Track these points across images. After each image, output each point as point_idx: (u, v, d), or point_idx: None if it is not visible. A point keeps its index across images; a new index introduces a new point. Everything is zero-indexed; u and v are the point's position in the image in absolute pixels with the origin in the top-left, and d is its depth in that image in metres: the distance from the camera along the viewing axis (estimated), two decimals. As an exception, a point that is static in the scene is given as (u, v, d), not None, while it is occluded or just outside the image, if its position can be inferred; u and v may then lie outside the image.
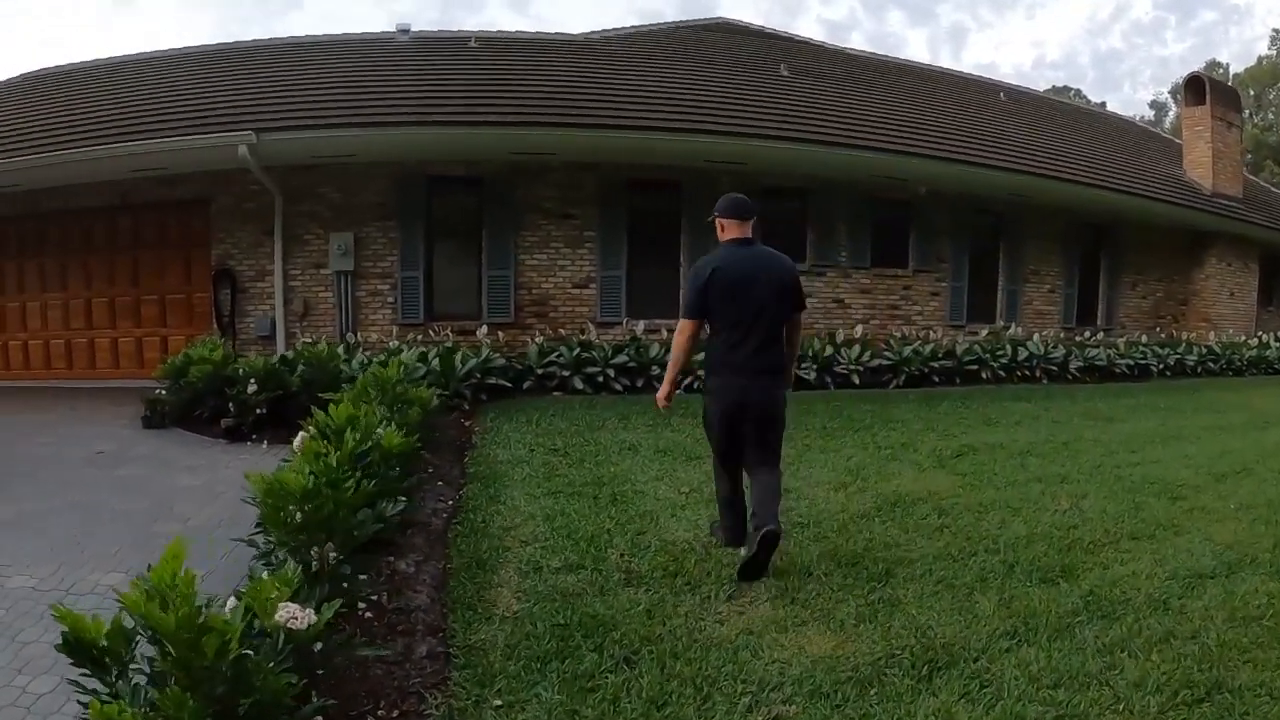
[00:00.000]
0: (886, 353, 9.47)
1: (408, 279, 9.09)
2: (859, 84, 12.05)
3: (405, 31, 11.36)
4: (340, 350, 7.24)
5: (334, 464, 2.95)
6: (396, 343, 8.38)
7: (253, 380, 6.24)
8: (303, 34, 11.81)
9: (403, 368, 6.32)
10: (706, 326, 3.53)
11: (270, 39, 11.43)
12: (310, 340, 8.69)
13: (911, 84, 13.02)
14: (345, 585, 2.73)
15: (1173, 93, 32.87)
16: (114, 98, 9.31)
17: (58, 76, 10.61)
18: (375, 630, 2.85)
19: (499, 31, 11.77)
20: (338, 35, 11.31)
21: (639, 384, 8.38)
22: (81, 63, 11.02)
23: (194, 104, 8.64)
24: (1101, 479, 5.14)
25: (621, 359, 8.42)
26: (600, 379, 8.19)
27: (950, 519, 4.22)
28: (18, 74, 11.20)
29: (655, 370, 8.41)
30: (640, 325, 9.30)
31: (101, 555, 3.68)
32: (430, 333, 8.80)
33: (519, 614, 3.02)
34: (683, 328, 3.52)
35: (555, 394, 7.95)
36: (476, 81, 9.47)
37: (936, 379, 9.48)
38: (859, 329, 9.80)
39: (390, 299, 9.10)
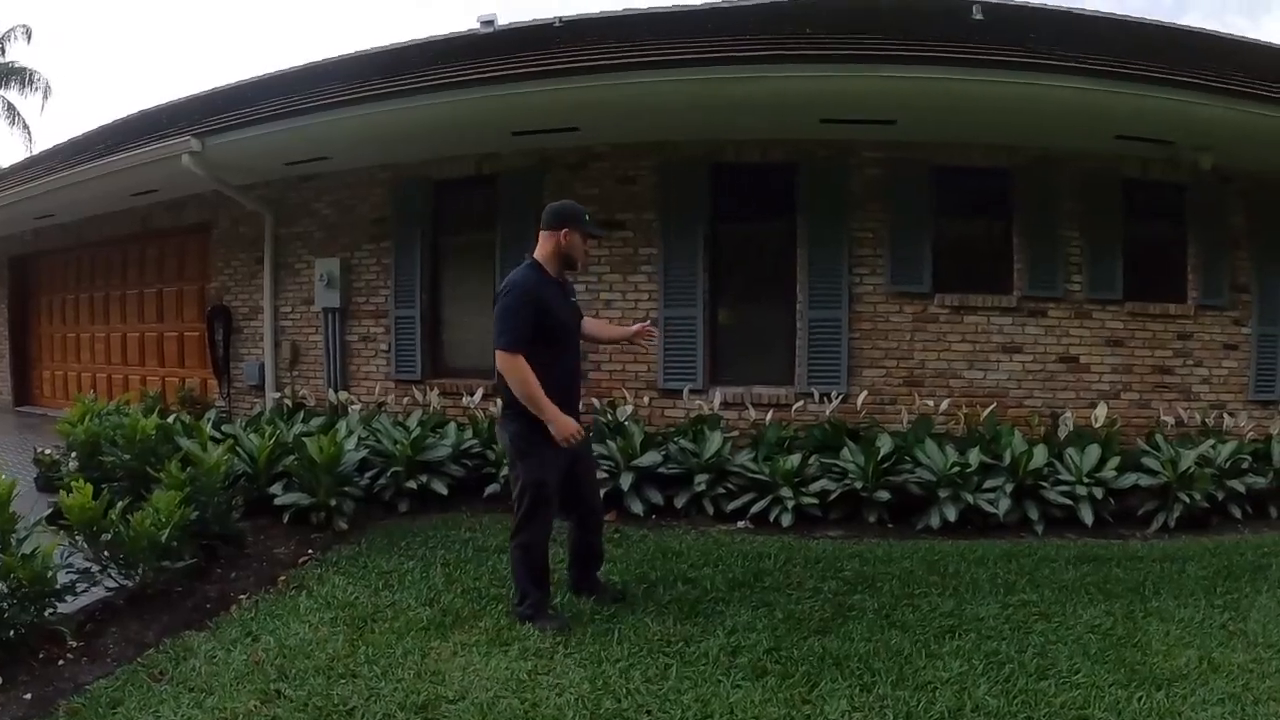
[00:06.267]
0: (1148, 459, 4.65)
1: (403, 320, 6.71)
2: (1093, 41, 6.62)
3: (489, 24, 8.52)
4: (179, 424, 5.01)
5: None
6: (358, 404, 6.05)
7: (74, 456, 4.46)
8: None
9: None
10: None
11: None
12: (288, 395, 6.84)
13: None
14: None
15: None
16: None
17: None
18: None
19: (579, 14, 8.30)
20: (420, 40, 8.74)
21: (678, 503, 4.88)
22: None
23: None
24: None
25: (651, 458, 4.96)
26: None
27: None
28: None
29: (701, 483, 4.83)
30: (717, 396, 5.73)
31: None
32: (418, 394, 6.32)
33: None
34: None
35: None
36: (497, 51, 6.75)
37: (1238, 512, 4.63)
38: (1102, 409, 5.09)
39: (384, 345, 6.82)
